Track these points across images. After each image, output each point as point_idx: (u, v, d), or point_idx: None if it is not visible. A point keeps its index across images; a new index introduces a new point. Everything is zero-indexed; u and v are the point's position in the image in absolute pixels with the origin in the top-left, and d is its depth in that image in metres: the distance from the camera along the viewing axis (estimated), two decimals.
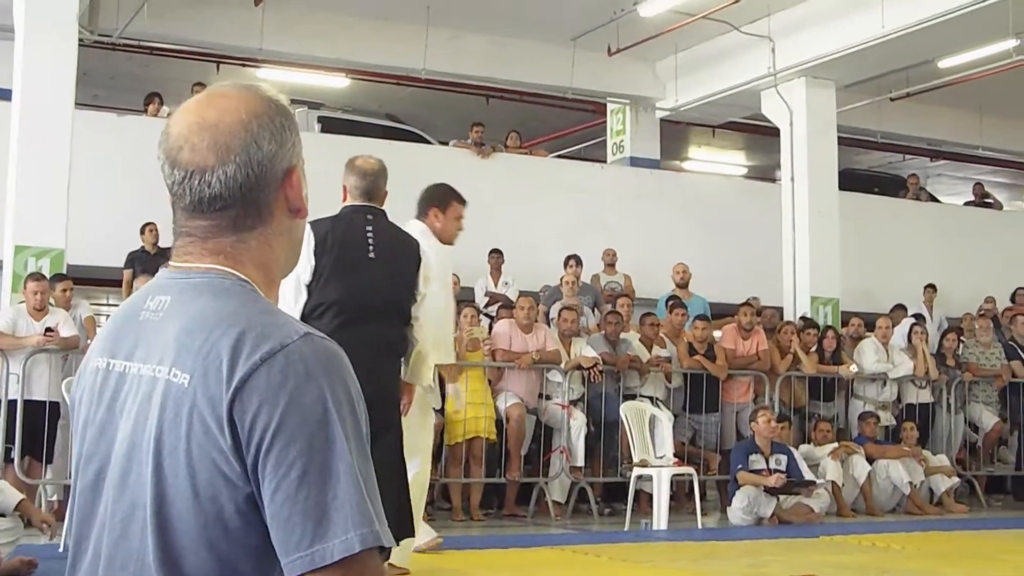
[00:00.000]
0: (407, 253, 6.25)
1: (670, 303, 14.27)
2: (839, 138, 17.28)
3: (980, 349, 14.95)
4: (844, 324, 15.36)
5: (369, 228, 6.21)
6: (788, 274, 16.20)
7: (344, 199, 6.52)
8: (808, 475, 12.12)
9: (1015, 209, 26.70)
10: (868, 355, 14.13)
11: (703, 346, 13.26)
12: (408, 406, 6.37)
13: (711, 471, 13.03)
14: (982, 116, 20.78)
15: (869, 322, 14.96)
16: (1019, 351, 15.14)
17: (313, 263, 6.12)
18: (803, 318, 15.22)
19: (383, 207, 6.34)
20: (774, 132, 17.37)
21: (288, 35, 16.16)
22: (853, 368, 13.95)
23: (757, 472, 11.66)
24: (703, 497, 12.36)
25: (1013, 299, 17.87)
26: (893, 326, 14.95)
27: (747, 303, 14.15)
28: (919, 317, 16.46)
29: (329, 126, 17.88)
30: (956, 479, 13.77)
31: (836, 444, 12.91)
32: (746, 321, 13.56)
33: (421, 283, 6.10)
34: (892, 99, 18.99)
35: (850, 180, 20.19)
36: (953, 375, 14.57)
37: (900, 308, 16.63)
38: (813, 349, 13.98)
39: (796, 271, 16.12)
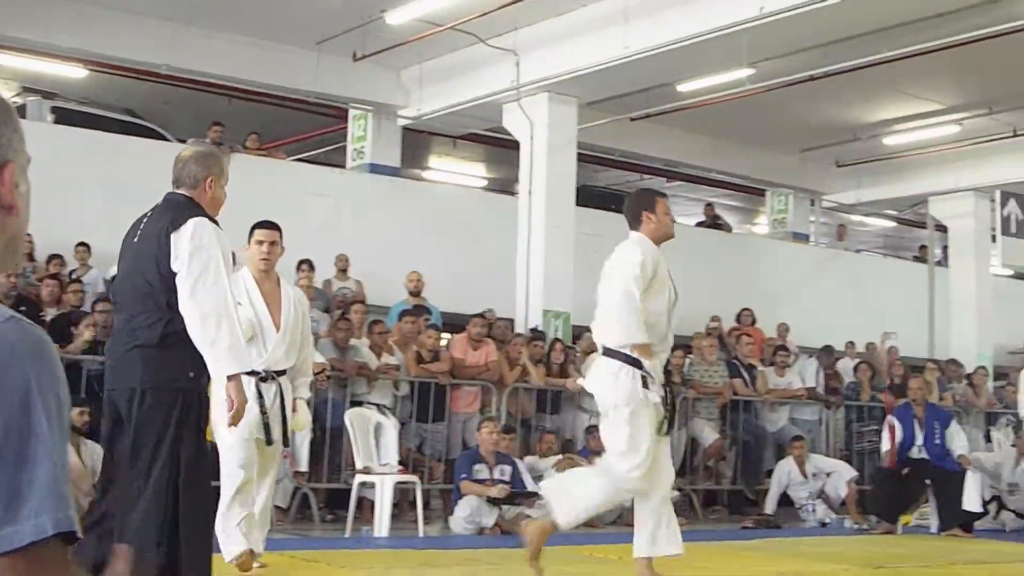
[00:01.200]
0: (154, 233, 5.83)
1: (402, 312, 14.29)
2: (579, 154, 17.53)
3: (705, 367, 15.34)
4: (575, 338, 15.57)
5: (148, 213, 6.01)
6: (522, 286, 16.38)
7: None
8: (531, 486, 12.23)
9: (743, 232, 27.60)
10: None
11: (431, 355, 13.31)
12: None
13: (435, 479, 13.06)
14: (717, 140, 21.40)
15: None
16: (741, 370, 15.61)
17: None
18: (533, 330, 15.40)
19: (198, 190, 5.96)
20: (515, 145, 17.52)
21: (25, 19, 15.63)
22: (580, 381, 14.14)
23: (481, 482, 11.73)
24: (427, 506, 12.37)
25: (738, 319, 18.42)
26: None
27: (480, 315, 14.22)
28: None
29: (64, 117, 17.39)
30: (676, 492, 14.04)
31: (561, 456, 13.06)
32: (475, 332, 13.65)
33: (174, 264, 5.65)
34: (632, 119, 19.37)
35: (588, 196, 20.54)
36: (678, 391, 14.89)
37: None
38: (541, 361, 14.14)
39: (530, 284, 16.30)
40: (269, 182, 17.22)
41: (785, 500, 14.41)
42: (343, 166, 19.67)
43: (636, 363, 7.28)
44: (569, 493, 7.54)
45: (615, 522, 13.40)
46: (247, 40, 17.19)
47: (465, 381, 13.47)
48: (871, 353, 18.86)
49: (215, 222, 5.81)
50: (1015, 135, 19.70)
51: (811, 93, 18.05)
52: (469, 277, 17.46)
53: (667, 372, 7.63)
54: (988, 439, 16.96)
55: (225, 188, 6.04)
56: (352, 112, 19.49)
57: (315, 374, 11.98)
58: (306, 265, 14.29)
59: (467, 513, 11.55)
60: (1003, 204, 19.87)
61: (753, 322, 18.42)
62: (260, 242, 7.49)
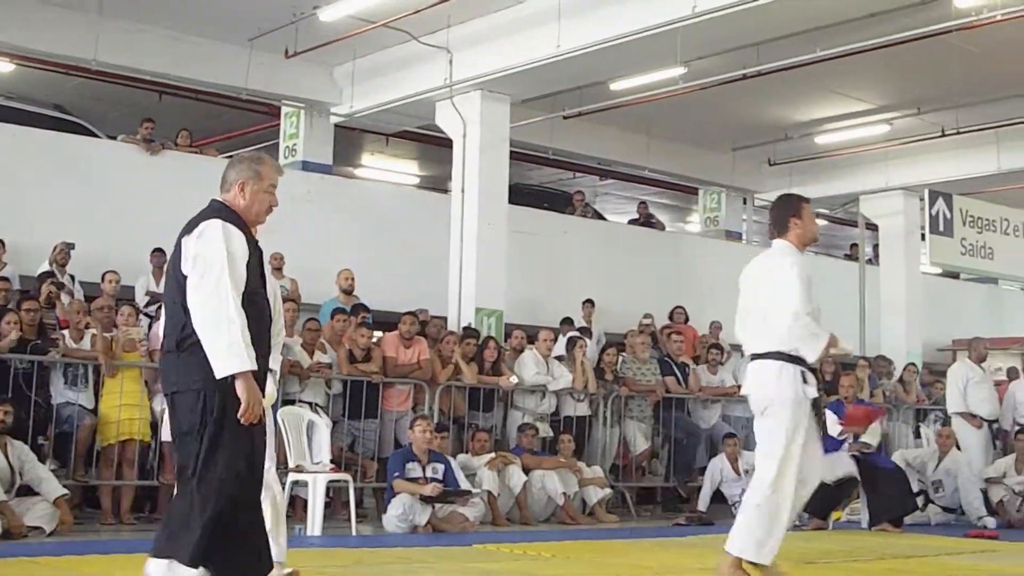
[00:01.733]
0: (180, 236, 5.84)
1: (334, 310, 14.23)
2: (512, 152, 17.53)
3: (637, 365, 15.37)
4: (507, 336, 15.57)
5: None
6: (454, 284, 16.35)
7: None
8: (464, 484, 12.23)
9: (676, 230, 27.71)
10: (528, 367, 14.38)
11: (362, 353, 13.27)
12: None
13: (368, 478, 13.01)
14: (650, 139, 21.49)
15: (532, 334, 15.20)
16: (674, 367, 15.66)
17: None
18: (465, 328, 15.39)
19: (231, 194, 5.90)
20: (448, 143, 17.48)
21: None
22: (513, 379, 14.17)
23: (414, 480, 11.71)
24: (360, 504, 12.33)
25: (671, 317, 18.48)
26: (556, 339, 15.27)
27: (411, 313, 14.18)
28: (585, 331, 16.85)
29: None
30: (608, 490, 14.12)
31: (493, 454, 13.05)
32: (406, 330, 13.63)
33: (184, 267, 5.68)
34: (565, 117, 19.42)
35: (521, 194, 20.56)
36: (610, 389, 14.95)
37: (567, 322, 16.99)
38: (474, 359, 14.14)
39: (462, 282, 16.27)
40: (200, 179, 16.85)
41: (718, 497, 14.46)
42: None
43: (796, 360, 7.38)
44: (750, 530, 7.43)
45: (548, 520, 13.44)
46: (178, 36, 17.08)
47: (398, 379, 13.44)
48: None
49: (243, 226, 5.74)
50: (943, 135, 19.89)
51: (743, 92, 18.16)
52: (402, 275, 17.42)
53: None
54: (917, 435, 17.12)
55: (267, 192, 5.88)
56: (284, 109, 19.40)
57: None
58: None
59: (400, 511, 11.53)
60: (931, 203, 20.08)
61: (686, 320, 18.49)
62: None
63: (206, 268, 5.51)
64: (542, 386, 14.35)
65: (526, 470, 13.13)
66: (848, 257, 26.45)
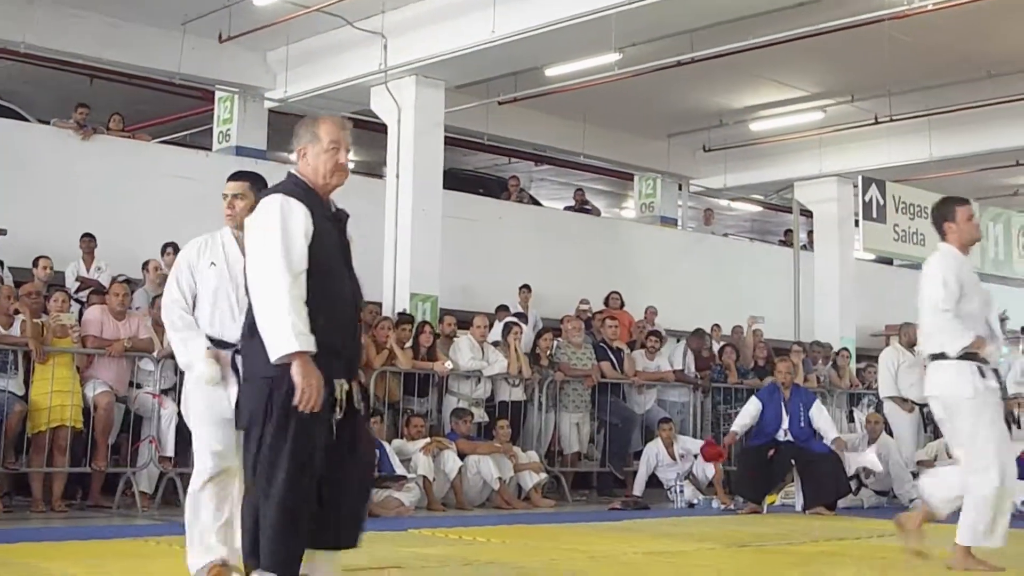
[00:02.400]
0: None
1: None
2: (447, 138, 17.49)
3: (572, 350, 15.39)
4: (442, 321, 15.53)
5: None
6: (389, 270, 16.27)
7: None
8: (399, 469, 12.22)
9: (612, 216, 27.74)
10: (463, 352, 14.36)
11: None
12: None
13: None
14: (585, 125, 21.49)
15: (467, 320, 15.19)
16: (609, 352, 15.70)
17: None
18: (400, 314, 15.34)
19: (299, 163, 5.67)
20: (382, 128, 17.39)
21: None
22: (448, 365, 14.15)
23: None
24: None
25: (606, 303, 18.52)
26: (491, 325, 15.27)
27: None
28: (521, 316, 16.87)
29: None
30: (544, 475, 14.14)
31: (428, 439, 13.04)
32: None
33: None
34: (500, 103, 19.38)
35: (456, 180, 20.51)
36: (546, 374, 14.96)
37: (503, 309, 16.98)
38: (409, 345, 14.11)
39: (397, 267, 16.20)
40: (133, 164, 16.95)
41: (653, 481, 14.53)
42: (209, 148, 19.42)
43: (970, 356, 7.63)
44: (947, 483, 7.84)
45: (483, 504, 13.44)
46: (110, 20, 16.89)
47: None
48: (736, 336, 19.08)
49: (313, 197, 5.46)
50: (876, 122, 20.00)
51: (679, 79, 18.21)
52: None
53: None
54: (851, 419, 17.26)
55: (329, 152, 5.54)
56: (218, 94, 19.25)
57: None
58: (171, 248, 14.08)
59: None
60: (864, 190, 20.20)
61: (621, 305, 18.53)
62: (224, 196, 6.62)
63: (260, 246, 5.27)
64: (477, 371, 14.34)
65: (461, 455, 13.13)
66: (782, 243, 26.59)
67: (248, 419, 5.28)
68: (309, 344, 5.07)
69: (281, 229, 5.23)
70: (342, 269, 5.54)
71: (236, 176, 6.67)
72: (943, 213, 8.11)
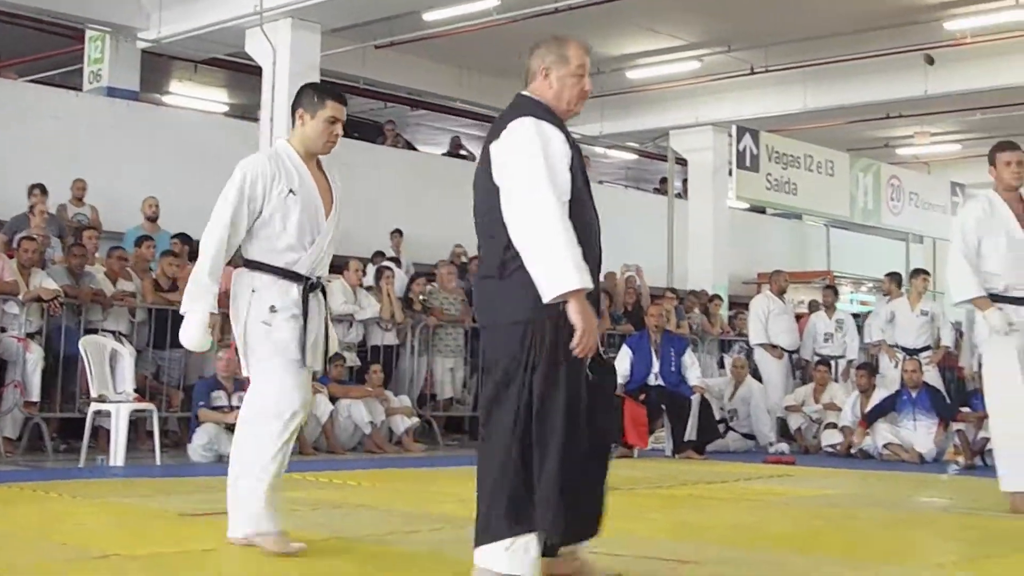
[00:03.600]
0: (485, 145, 5.06)
1: (139, 237, 13.98)
2: (322, 82, 17.28)
3: (445, 294, 15.40)
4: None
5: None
6: None
7: None
8: None
9: None
10: (336, 296, 14.28)
11: (168, 281, 13.06)
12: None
13: (173, 408, 12.85)
14: (462, 70, 21.42)
15: (341, 264, 15.09)
16: None
17: None
18: None
19: (535, 84, 5.13)
20: (257, 71, 17.18)
21: None
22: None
23: (219, 409, 11.62)
24: (164, 435, 12.19)
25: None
26: (365, 269, 15.22)
27: None
28: (395, 262, 16.83)
29: None
30: (415, 419, 14.16)
31: None
32: None
33: (496, 178, 4.87)
34: (377, 47, 19.24)
35: None
36: (418, 319, 14.96)
37: (379, 255, 16.94)
38: None
39: None
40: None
41: None
42: (79, 88, 19.04)
43: (996, 297, 8.21)
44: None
45: (355, 449, 13.45)
46: None
47: None
48: (610, 282, 19.17)
49: (557, 121, 4.95)
50: (752, 72, 20.22)
51: (556, 26, 18.02)
52: (209, 203, 17.02)
53: None
54: (721, 366, 17.49)
55: (575, 76, 5.05)
56: (89, 33, 18.85)
57: (47, 300, 11.72)
58: (38, 190, 13.85)
59: (205, 441, 11.44)
60: (739, 139, 20.41)
61: None
62: (333, 120, 6.04)
63: (521, 175, 4.74)
64: (349, 316, 14.29)
65: (333, 399, 13.12)
66: (657, 191, 26.81)
67: (503, 372, 4.77)
68: (588, 281, 4.63)
69: (543, 155, 4.75)
70: (589, 197, 5.00)
71: (342, 98, 6.14)
72: (989, 158, 8.56)
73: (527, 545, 4.67)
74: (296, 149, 6.05)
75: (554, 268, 4.59)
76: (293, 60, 16.35)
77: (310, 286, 5.97)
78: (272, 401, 5.84)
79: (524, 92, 5.09)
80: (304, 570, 5.49)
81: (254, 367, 5.94)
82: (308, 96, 6.04)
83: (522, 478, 4.67)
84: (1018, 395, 8.08)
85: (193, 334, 5.95)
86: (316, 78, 16.47)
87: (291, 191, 5.93)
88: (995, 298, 8.19)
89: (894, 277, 16.63)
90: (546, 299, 4.59)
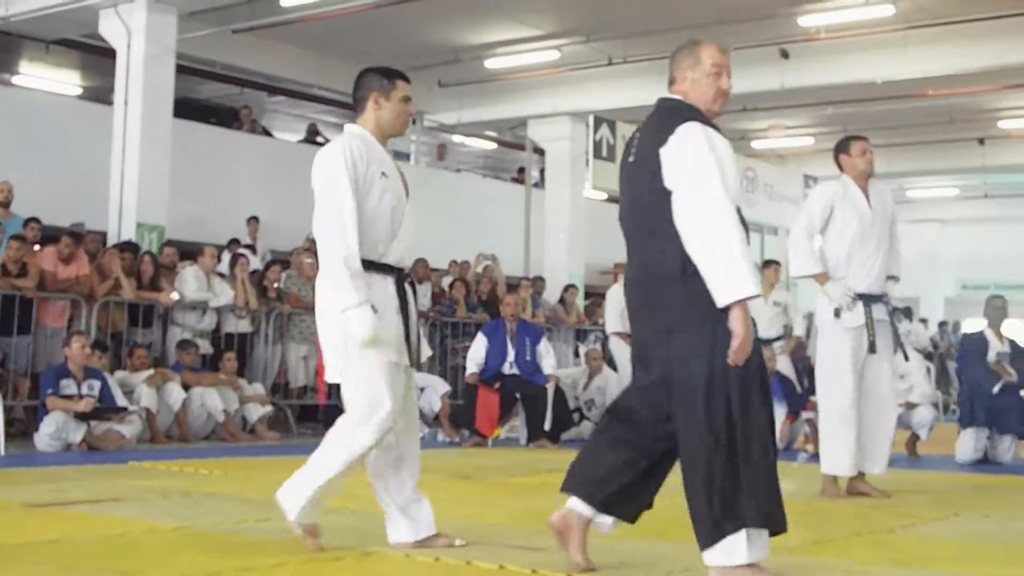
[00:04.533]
0: (648, 150, 5.09)
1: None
2: (179, 66, 17.04)
3: (302, 282, 15.30)
4: (161, 252, 15.22)
5: (640, 128, 5.29)
6: (115, 198, 15.84)
7: None
8: (122, 401, 12.01)
9: None
10: (189, 283, 14.15)
11: (16, 266, 12.80)
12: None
13: (20, 395, 12.61)
14: (321, 56, 21.26)
15: (196, 251, 14.94)
16: None
17: None
18: (125, 243, 14.99)
19: (679, 93, 5.26)
20: (112, 53, 16.87)
21: None
22: (174, 295, 13.93)
23: (68, 397, 11.43)
24: (11, 424, 11.96)
25: None
26: (220, 256, 15.08)
27: (72, 232, 13.80)
28: (250, 249, 16.70)
29: None
30: (269, 407, 14.08)
31: (152, 371, 12.86)
32: (65, 248, 13.21)
33: (668, 181, 4.95)
34: (234, 31, 19.02)
35: (187, 109, 20.11)
36: (273, 306, 14.85)
37: (235, 241, 16.80)
38: (133, 275, 13.82)
39: (123, 196, 15.76)
40: None
41: None
42: None
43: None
44: None
45: (208, 437, 13.35)
46: None
47: (53, 294, 13.04)
48: (466, 271, 19.24)
49: (709, 122, 5.04)
50: (610, 63, 20.36)
51: (415, 13, 18.14)
52: (60, 188, 16.83)
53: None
54: (577, 355, 17.61)
55: (712, 76, 5.16)
56: None
57: None
58: None
59: (53, 429, 11.25)
60: (596, 129, 20.54)
61: None
62: (407, 99, 5.99)
63: (700, 180, 4.83)
64: (203, 302, 14.15)
65: (186, 387, 13.00)
66: (515, 180, 26.87)
67: (707, 377, 4.83)
68: (756, 287, 4.84)
69: (717, 160, 4.86)
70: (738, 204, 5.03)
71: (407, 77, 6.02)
72: (839, 147, 8.74)
73: (750, 534, 4.80)
74: (372, 133, 5.86)
75: (732, 274, 4.77)
76: (148, 43, 16.07)
77: (403, 277, 5.80)
78: (365, 407, 5.63)
79: (672, 96, 5.25)
80: (152, 558, 5.42)
81: (345, 369, 5.67)
82: (376, 79, 5.90)
83: (735, 475, 4.79)
84: (841, 386, 8.40)
85: (369, 330, 5.45)
86: (172, 62, 16.34)
87: (383, 173, 5.73)
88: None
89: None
90: (721, 303, 4.77)
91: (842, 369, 8.40)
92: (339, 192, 5.52)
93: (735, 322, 4.77)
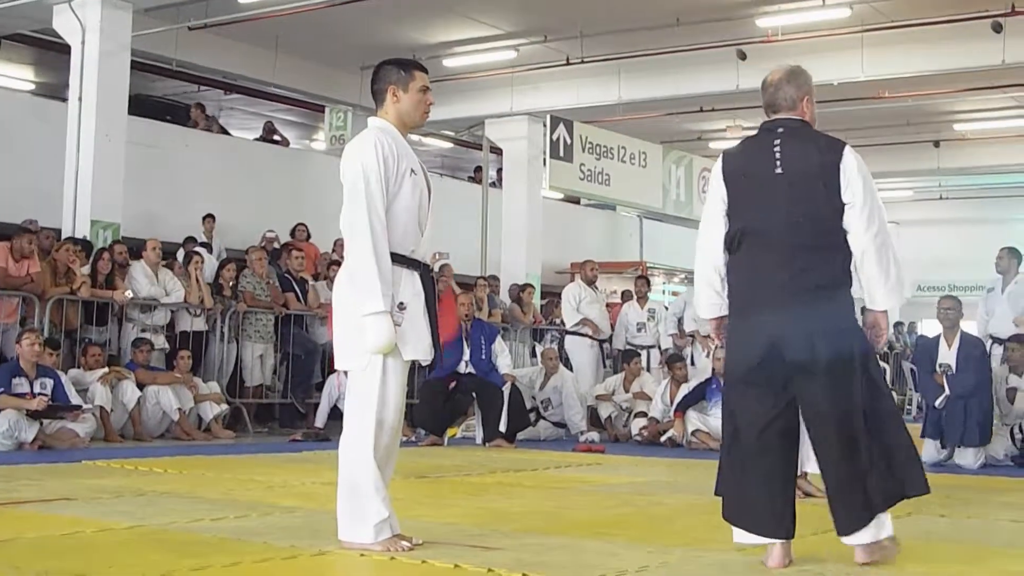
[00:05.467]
0: (814, 165, 5.51)
1: None
2: (134, 63, 16.93)
3: (257, 280, 15.23)
4: (130, 250, 15.13)
5: (776, 143, 5.65)
6: (69, 196, 15.70)
7: None
8: (76, 400, 11.94)
9: (302, 147, 27.53)
10: (139, 279, 14.06)
11: None
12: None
13: None
14: (277, 54, 21.19)
15: (138, 247, 14.87)
16: (294, 284, 15.62)
17: (724, 192, 5.69)
18: (80, 240, 14.88)
19: (797, 111, 5.82)
20: (66, 49, 16.72)
21: None
22: (128, 293, 13.84)
23: (20, 396, 11.35)
24: None
25: (293, 234, 18.41)
26: (175, 254, 15.02)
27: (26, 229, 13.72)
28: (206, 247, 16.63)
29: None
30: (225, 406, 14.03)
31: (107, 369, 12.78)
32: (19, 246, 13.11)
33: (845, 196, 5.41)
34: (191, 28, 18.92)
35: (142, 106, 20.02)
36: (228, 304, 14.79)
37: (191, 240, 16.73)
38: (88, 273, 13.73)
39: (78, 193, 15.62)
40: None
41: (336, 414, 14.50)
42: None
43: None
44: None
45: (162, 436, 13.29)
46: None
47: (5, 291, 12.94)
48: None
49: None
50: (568, 63, 20.36)
51: (373, 12, 18.11)
52: (13, 184, 16.72)
53: None
54: (534, 354, 17.61)
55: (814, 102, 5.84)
56: None
57: None
58: None
59: (5, 428, 11.18)
60: (553, 129, 20.55)
61: (308, 237, 18.46)
62: (426, 89, 5.97)
63: (871, 199, 5.37)
64: (154, 299, 14.08)
65: (140, 385, 12.94)
66: (472, 179, 26.86)
67: (861, 361, 5.33)
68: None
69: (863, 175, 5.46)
70: None
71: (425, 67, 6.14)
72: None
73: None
74: (395, 126, 5.84)
75: (896, 285, 5.46)
76: (103, 39, 15.93)
77: (427, 272, 5.81)
78: (376, 407, 5.65)
79: (797, 117, 5.78)
80: (104, 558, 5.38)
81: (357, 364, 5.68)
82: (393, 71, 5.91)
83: (895, 455, 5.34)
84: None
85: (389, 337, 5.48)
86: (127, 59, 16.22)
87: (412, 170, 5.72)
88: None
89: None
90: (881, 308, 5.49)
91: None
92: (372, 191, 5.53)
93: (884, 321, 5.55)
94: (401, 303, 5.52)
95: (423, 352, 5.68)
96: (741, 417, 5.44)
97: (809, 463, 8.47)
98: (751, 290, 5.46)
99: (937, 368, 11.91)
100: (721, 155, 5.85)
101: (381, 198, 5.53)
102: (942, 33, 18.18)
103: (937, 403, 11.71)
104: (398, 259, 5.57)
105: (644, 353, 16.25)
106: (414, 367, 6.93)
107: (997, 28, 17.47)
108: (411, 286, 5.65)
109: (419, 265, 5.72)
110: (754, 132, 6.02)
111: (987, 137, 26.27)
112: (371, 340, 5.42)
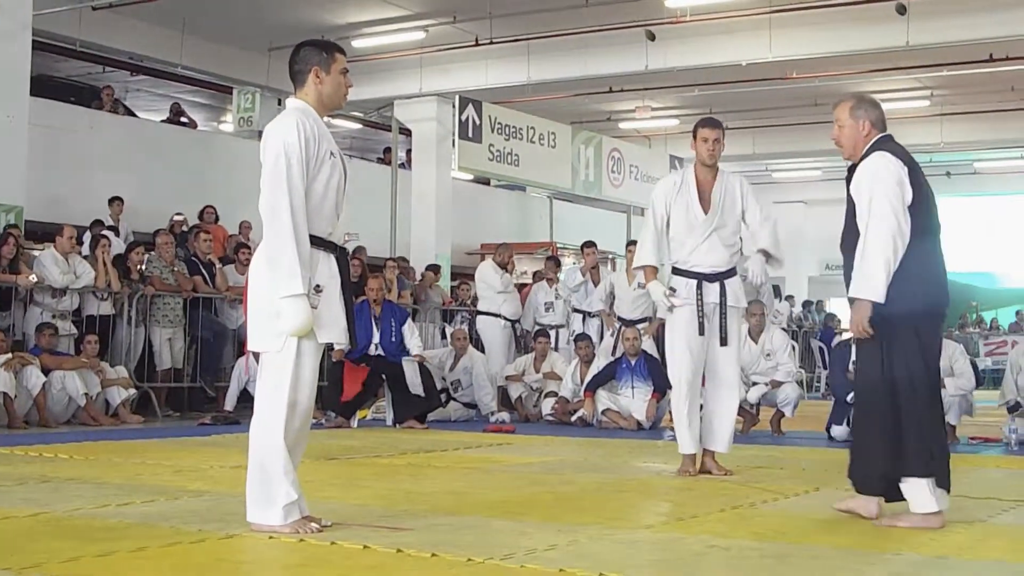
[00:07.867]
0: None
1: None
2: (36, 42, 16.69)
3: (164, 264, 15.09)
4: (28, 233, 14.95)
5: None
6: None
7: (867, 133, 6.63)
8: None
9: (209, 129, 27.30)
10: (49, 265, 13.89)
11: None
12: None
13: None
14: (184, 35, 21.00)
15: (56, 231, 14.66)
16: (201, 267, 15.49)
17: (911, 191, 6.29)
18: None
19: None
20: None
21: None
22: (32, 278, 13.65)
23: None
24: None
25: (201, 217, 18.27)
26: (81, 237, 14.84)
27: None
28: (112, 230, 16.46)
29: None
30: (132, 391, 13.89)
31: (11, 355, 12.59)
32: None
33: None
34: (95, 8, 18.72)
35: (45, 87, 19.75)
36: (136, 288, 14.64)
37: (98, 223, 16.56)
38: None
39: None
40: None
41: (245, 397, 14.42)
42: None
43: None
44: None
45: (69, 421, 13.14)
46: None
47: None
48: None
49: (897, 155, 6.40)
50: (477, 44, 20.37)
51: None
52: None
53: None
54: (444, 336, 17.60)
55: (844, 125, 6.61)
56: None
57: None
58: None
59: None
60: (461, 109, 20.54)
61: (216, 220, 18.33)
62: (345, 71, 5.93)
63: (874, 202, 6.16)
64: (64, 285, 13.91)
65: (45, 371, 12.75)
66: (381, 161, 26.80)
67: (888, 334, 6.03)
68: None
69: (884, 186, 6.27)
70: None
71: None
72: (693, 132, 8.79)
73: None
74: (314, 107, 5.81)
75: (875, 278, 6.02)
76: (3, 18, 15.60)
77: (343, 255, 5.83)
78: (288, 389, 5.61)
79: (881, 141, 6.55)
80: (6, 546, 5.30)
81: (270, 344, 5.63)
82: (315, 53, 5.85)
83: (922, 432, 5.95)
84: (678, 367, 8.48)
85: (306, 319, 5.46)
86: (28, 38, 15.96)
87: (331, 153, 5.71)
88: (676, 270, 8.52)
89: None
90: (869, 297, 6.01)
91: (678, 351, 8.44)
92: (292, 172, 5.53)
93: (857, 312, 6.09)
94: (318, 286, 5.52)
95: (338, 335, 5.68)
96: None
97: (712, 442, 8.58)
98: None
99: (850, 367, 12.12)
100: (893, 154, 6.46)
101: (301, 180, 5.52)
102: (850, 14, 18.39)
103: (849, 398, 11.92)
104: (315, 241, 5.56)
105: (553, 333, 16.28)
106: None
107: (901, 10, 17.71)
108: (328, 269, 5.65)
109: (335, 248, 5.72)
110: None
111: (893, 118, 26.44)
112: (288, 322, 5.41)
